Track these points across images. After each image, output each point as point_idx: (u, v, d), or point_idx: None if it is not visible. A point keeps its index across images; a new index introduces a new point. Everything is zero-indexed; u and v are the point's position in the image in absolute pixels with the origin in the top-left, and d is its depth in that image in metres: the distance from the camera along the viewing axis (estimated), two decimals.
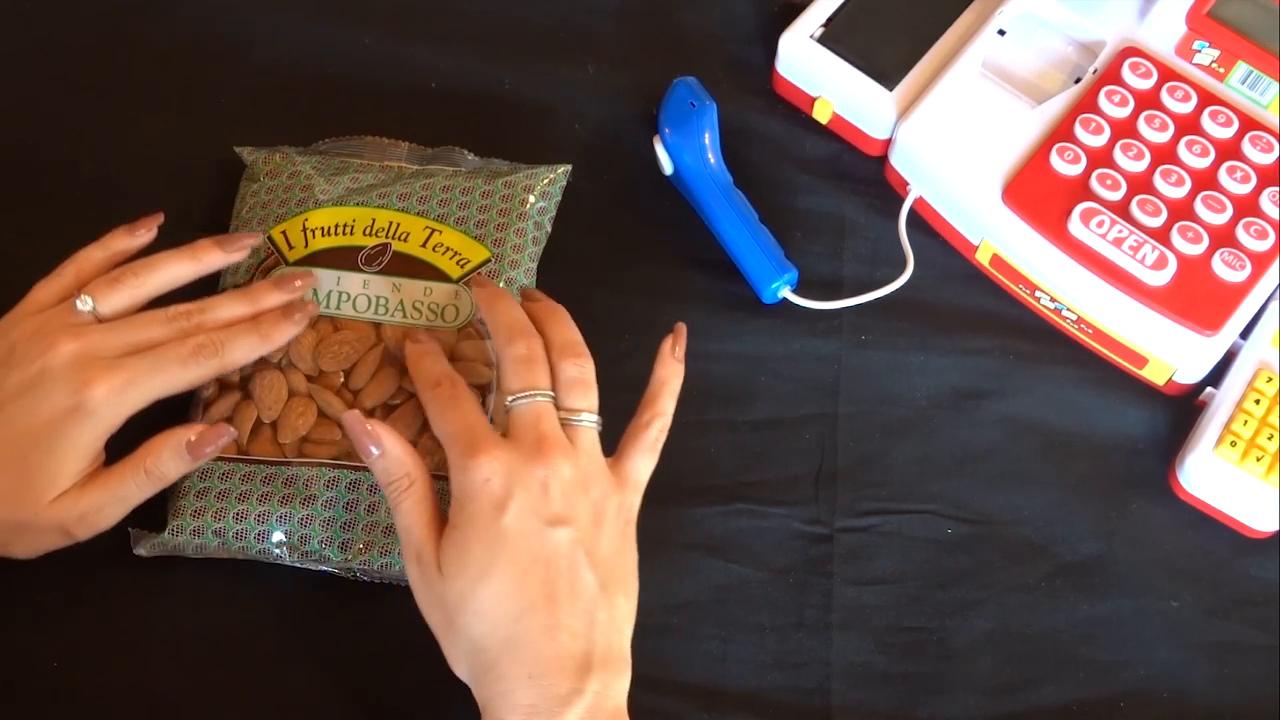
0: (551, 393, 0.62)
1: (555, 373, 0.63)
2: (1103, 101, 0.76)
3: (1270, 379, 0.71)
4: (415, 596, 0.61)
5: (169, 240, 0.75)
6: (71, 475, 0.62)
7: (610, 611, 0.59)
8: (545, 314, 0.66)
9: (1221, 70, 0.76)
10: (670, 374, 0.66)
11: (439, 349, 0.66)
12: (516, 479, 0.59)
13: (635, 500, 0.63)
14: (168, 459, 0.63)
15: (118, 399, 0.62)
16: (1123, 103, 0.76)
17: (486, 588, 0.58)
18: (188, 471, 0.64)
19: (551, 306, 0.67)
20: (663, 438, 0.65)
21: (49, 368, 0.62)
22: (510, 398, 0.62)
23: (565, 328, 0.65)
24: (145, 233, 0.69)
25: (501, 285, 0.71)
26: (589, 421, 0.63)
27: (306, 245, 0.71)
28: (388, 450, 0.61)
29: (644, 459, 0.64)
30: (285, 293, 0.67)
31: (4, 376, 0.63)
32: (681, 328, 0.67)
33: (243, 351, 0.65)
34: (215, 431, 0.64)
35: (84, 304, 0.64)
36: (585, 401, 0.63)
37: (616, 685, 0.59)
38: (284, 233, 0.72)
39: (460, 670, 0.60)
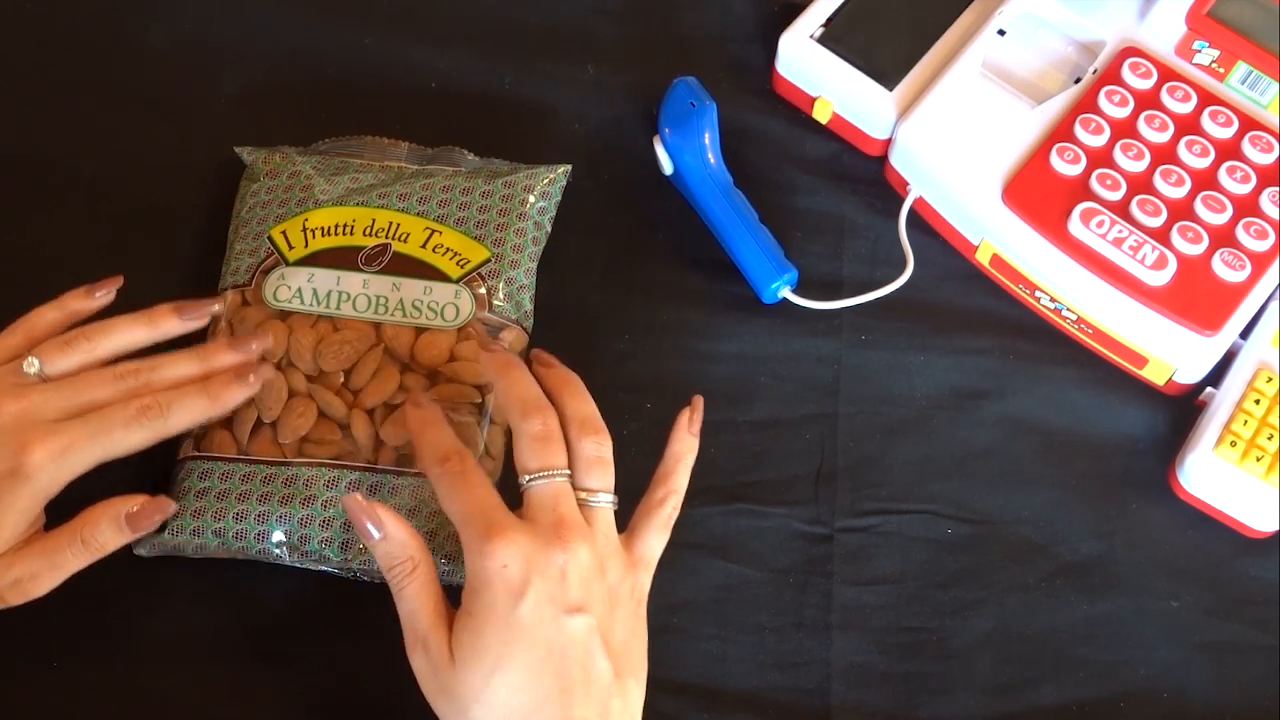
0: (568, 471, 0.61)
1: (572, 450, 0.61)
2: (1103, 101, 0.76)
3: (1270, 379, 0.71)
4: (420, 684, 0.59)
5: (168, 240, 0.75)
6: (6, 540, 0.61)
7: (624, 699, 0.58)
8: (560, 384, 0.64)
9: (1221, 70, 0.76)
10: (685, 449, 0.64)
11: (441, 415, 0.64)
12: (535, 566, 0.57)
13: (647, 580, 0.62)
14: (105, 529, 0.61)
15: (55, 464, 0.60)
16: (1123, 103, 0.76)
17: (501, 680, 0.57)
18: (127, 543, 0.62)
19: (565, 376, 0.64)
20: (675, 514, 0.64)
21: None
22: (528, 477, 0.60)
23: (581, 400, 0.63)
24: (104, 295, 0.67)
25: (501, 285, 0.71)
26: (605, 502, 0.61)
27: (306, 245, 0.71)
28: (390, 534, 0.59)
29: (657, 537, 0.63)
30: (239, 353, 0.65)
31: None
32: (698, 401, 0.65)
33: (189, 414, 0.63)
34: (156, 505, 0.62)
35: (30, 366, 0.63)
36: (603, 481, 0.61)
37: None
38: (284, 233, 0.72)
39: None
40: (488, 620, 0.57)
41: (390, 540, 0.60)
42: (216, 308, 0.67)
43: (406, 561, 0.59)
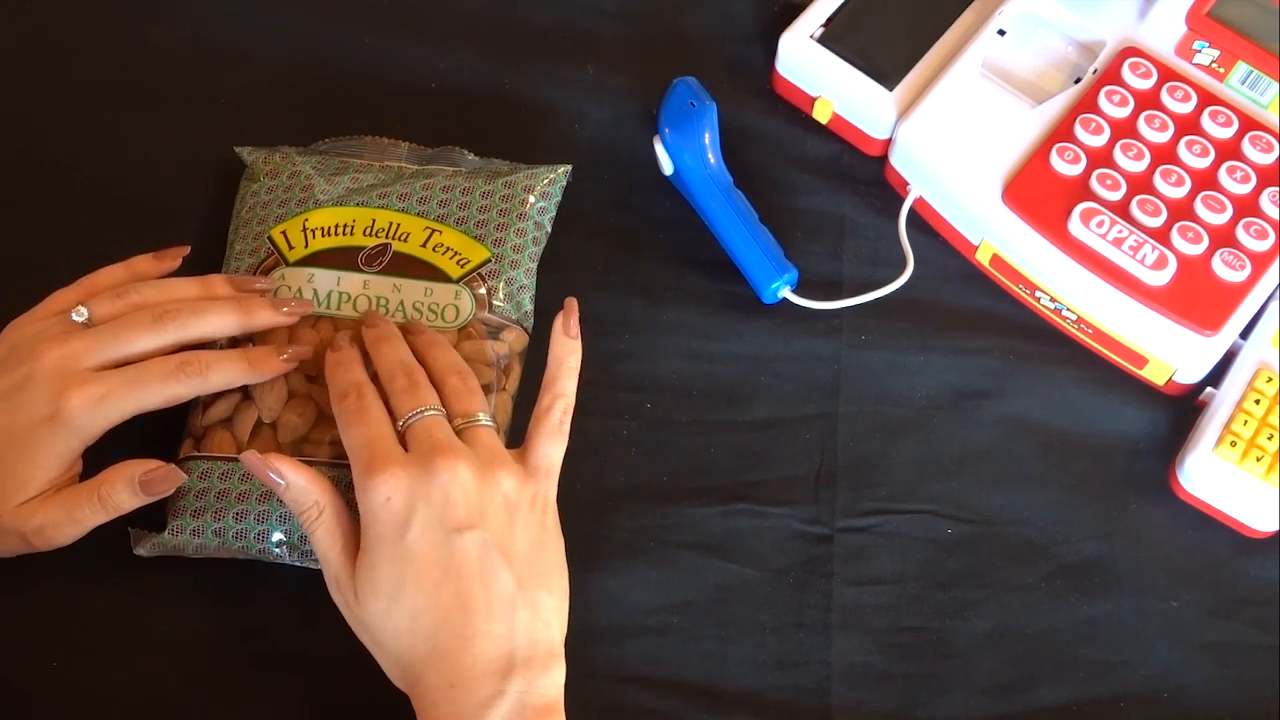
0: (440, 408, 0.63)
1: (440, 390, 0.64)
2: (1103, 101, 0.76)
3: (1270, 379, 0.71)
4: (345, 618, 0.61)
5: (168, 240, 0.75)
6: (41, 482, 0.62)
7: (532, 609, 0.60)
8: (425, 345, 0.66)
9: (1221, 70, 0.76)
10: (566, 351, 0.66)
11: (356, 357, 0.66)
12: (417, 493, 0.59)
13: (550, 487, 0.63)
14: (120, 490, 0.63)
15: (93, 411, 0.62)
16: (1123, 103, 0.76)
17: (400, 607, 0.59)
18: (140, 505, 0.64)
19: (432, 338, 0.67)
20: (568, 419, 0.65)
21: (33, 373, 0.62)
22: (401, 420, 0.62)
23: (444, 352, 0.66)
24: (170, 262, 0.69)
25: (501, 285, 0.71)
26: (484, 421, 0.63)
27: (306, 245, 0.71)
28: (291, 482, 0.61)
29: (552, 444, 0.64)
30: (279, 315, 0.67)
31: None
32: (570, 302, 0.67)
33: (228, 376, 0.65)
34: (168, 473, 0.63)
35: (79, 314, 0.65)
36: (474, 404, 0.63)
37: (544, 681, 0.59)
38: (284, 233, 0.72)
39: (396, 682, 0.61)
40: (379, 554, 0.59)
41: (292, 488, 0.61)
42: (265, 284, 0.69)
43: (312, 507, 0.61)
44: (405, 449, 0.61)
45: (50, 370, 0.62)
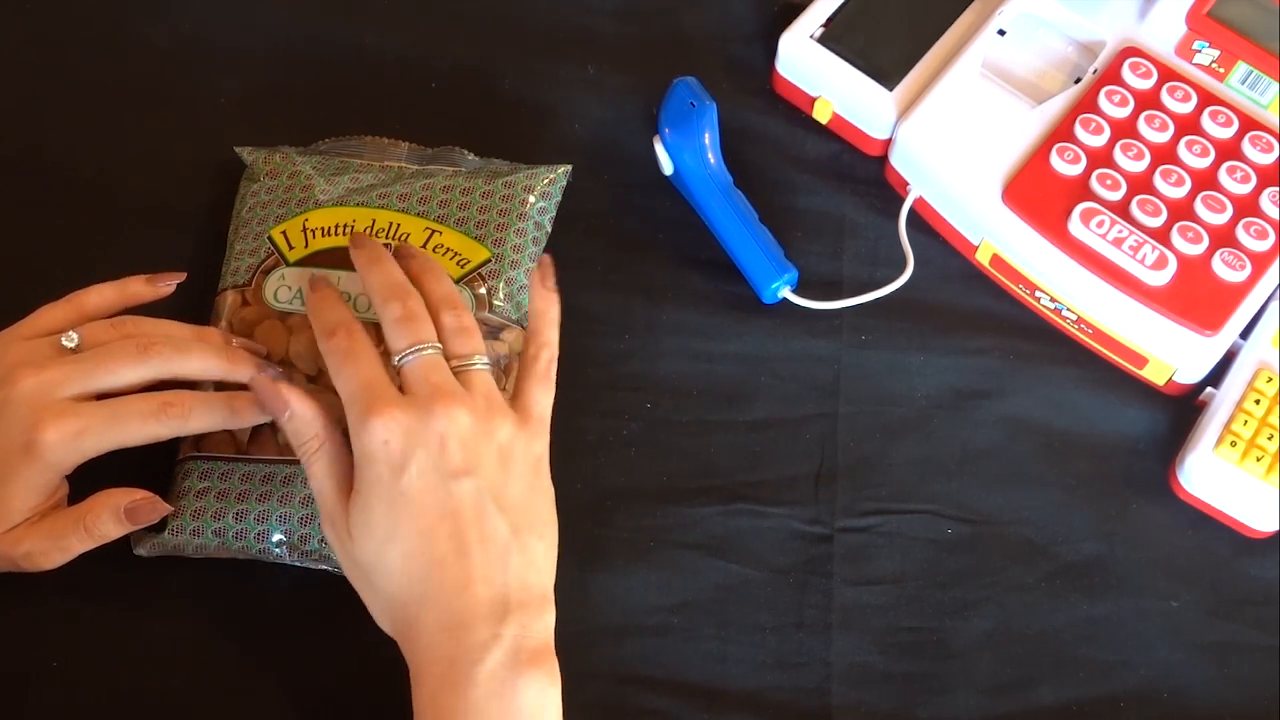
0: (438, 344, 0.62)
1: (437, 326, 0.63)
2: (1103, 101, 0.76)
3: (1270, 379, 0.71)
4: (336, 556, 0.62)
5: (168, 240, 0.76)
6: (22, 511, 0.62)
7: (525, 555, 0.60)
8: (419, 270, 0.65)
9: (1221, 70, 0.76)
10: (546, 304, 0.66)
11: (339, 295, 0.65)
12: (415, 437, 0.59)
13: (541, 436, 0.63)
14: (106, 520, 0.63)
15: (69, 446, 0.61)
16: (1123, 103, 0.76)
17: (394, 549, 0.59)
18: (126, 533, 0.64)
19: (425, 263, 0.66)
20: (553, 368, 0.65)
21: (9, 400, 0.61)
22: (398, 357, 0.61)
23: (439, 282, 0.65)
24: (164, 287, 0.68)
25: (501, 285, 0.71)
26: (480, 363, 0.62)
27: (306, 245, 0.71)
28: (296, 412, 0.61)
29: (540, 390, 0.64)
30: (257, 379, 0.64)
31: None
32: (546, 259, 0.67)
33: (209, 421, 0.64)
34: (152, 505, 0.63)
35: (70, 340, 0.64)
36: (471, 345, 0.63)
37: (537, 625, 0.59)
38: (284, 233, 0.72)
39: (384, 625, 0.61)
40: (374, 496, 0.59)
41: (297, 418, 0.61)
42: (259, 347, 0.68)
43: (313, 439, 0.61)
44: (401, 388, 0.61)
45: (26, 398, 0.61)
